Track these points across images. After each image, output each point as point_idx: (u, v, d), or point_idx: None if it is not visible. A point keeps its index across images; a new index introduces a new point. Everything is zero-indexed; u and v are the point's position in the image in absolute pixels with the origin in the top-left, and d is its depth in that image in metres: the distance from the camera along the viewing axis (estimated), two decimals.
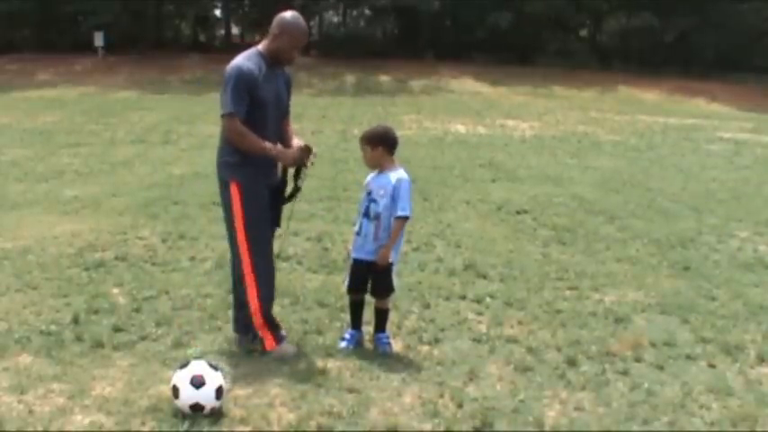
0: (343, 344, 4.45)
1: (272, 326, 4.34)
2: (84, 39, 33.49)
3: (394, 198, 4.26)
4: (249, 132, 4.07)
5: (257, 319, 4.28)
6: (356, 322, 4.53)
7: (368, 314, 4.64)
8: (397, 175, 4.31)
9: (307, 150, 4.22)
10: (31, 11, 33.94)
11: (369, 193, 4.33)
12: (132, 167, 10.88)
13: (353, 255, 4.42)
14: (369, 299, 4.57)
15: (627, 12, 37.62)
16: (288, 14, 4.27)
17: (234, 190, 4.17)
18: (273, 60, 4.21)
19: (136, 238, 6.80)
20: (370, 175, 4.41)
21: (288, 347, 4.32)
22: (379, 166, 4.35)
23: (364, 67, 32.82)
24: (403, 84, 30.80)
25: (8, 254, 6.21)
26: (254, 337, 4.33)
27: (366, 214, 4.32)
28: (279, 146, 4.20)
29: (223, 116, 4.09)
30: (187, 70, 32.27)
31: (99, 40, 32.44)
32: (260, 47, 4.25)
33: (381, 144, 4.32)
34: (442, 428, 3.55)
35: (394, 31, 41.84)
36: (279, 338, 4.33)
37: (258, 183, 4.19)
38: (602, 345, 4.59)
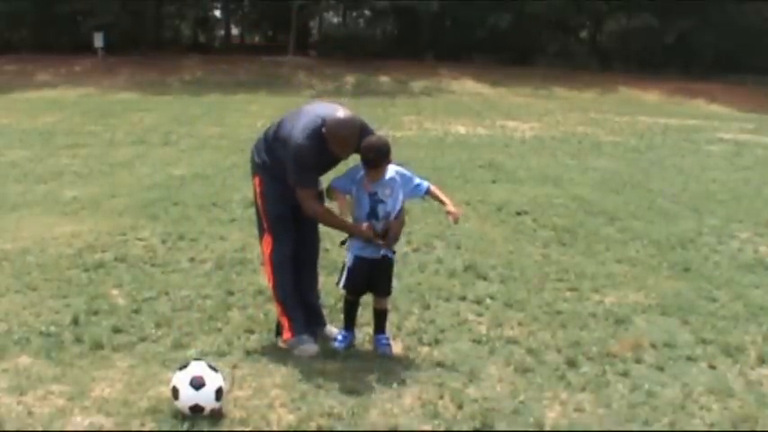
0: (336, 344, 4.45)
1: (292, 317, 4.38)
2: (83, 39, 33.52)
3: (405, 185, 4.31)
4: (317, 203, 4.28)
5: (278, 307, 4.43)
6: (350, 323, 4.52)
7: (367, 316, 4.64)
8: (390, 169, 4.29)
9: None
10: (30, 11, 33.95)
11: (372, 195, 4.29)
12: (132, 168, 10.88)
13: (356, 253, 4.37)
14: (367, 300, 4.57)
15: (627, 13, 37.66)
16: (336, 116, 4.13)
17: (257, 183, 4.42)
18: None
19: (135, 239, 6.80)
20: (362, 174, 4.29)
21: (306, 346, 4.32)
22: None
23: (364, 67, 32.85)
24: (403, 85, 30.84)
25: (7, 255, 6.21)
26: (277, 327, 4.47)
27: (373, 215, 4.29)
28: (347, 222, 4.33)
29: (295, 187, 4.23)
30: (187, 71, 32.31)
31: (99, 41, 32.46)
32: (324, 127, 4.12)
33: (390, 159, 4.28)
34: (441, 429, 3.55)
35: (394, 32, 41.89)
36: (297, 331, 4.35)
37: (278, 185, 4.28)
38: (603, 346, 4.58)
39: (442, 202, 4.38)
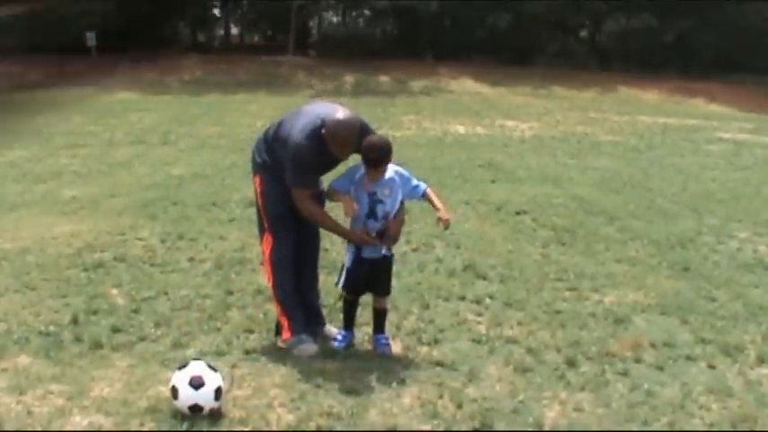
0: (335, 344, 4.45)
1: (292, 316, 4.38)
2: (82, 39, 33.49)
3: (403, 185, 4.30)
4: (312, 204, 4.25)
5: (277, 307, 4.43)
6: (349, 323, 4.52)
7: (366, 316, 4.64)
8: (389, 169, 4.29)
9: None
10: (26, 10, 33.87)
11: (372, 195, 4.28)
12: (131, 168, 10.88)
13: (355, 254, 4.37)
14: (366, 300, 4.57)
15: (626, 12, 37.61)
16: (336, 117, 4.10)
17: (257, 182, 4.40)
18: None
19: (135, 239, 6.80)
20: (361, 173, 4.31)
21: (306, 346, 4.32)
22: None
23: (364, 67, 32.81)
24: (402, 84, 30.80)
25: (7, 254, 6.21)
26: (276, 327, 4.46)
27: (372, 215, 4.29)
28: (343, 226, 4.35)
29: (290, 187, 4.22)
30: (186, 71, 32.25)
31: (91, 39, 32.45)
32: (324, 128, 4.09)
33: (391, 159, 4.28)
34: (441, 429, 3.55)
35: (393, 32, 41.83)
36: (297, 330, 4.35)
37: (279, 184, 4.26)
38: (602, 345, 4.59)
39: (435, 207, 4.36)
